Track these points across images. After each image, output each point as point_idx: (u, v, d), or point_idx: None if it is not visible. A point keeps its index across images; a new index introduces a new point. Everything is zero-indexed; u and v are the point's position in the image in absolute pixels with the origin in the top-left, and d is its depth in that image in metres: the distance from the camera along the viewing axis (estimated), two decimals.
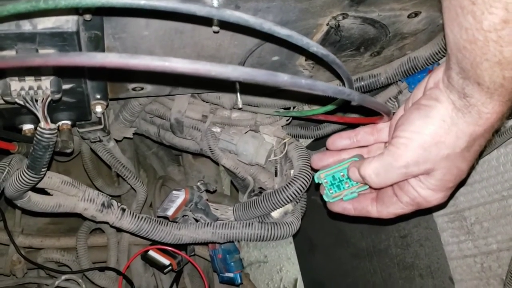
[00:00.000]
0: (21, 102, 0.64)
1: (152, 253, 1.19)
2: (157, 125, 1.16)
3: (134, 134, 1.20)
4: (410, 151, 0.59)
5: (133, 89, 0.93)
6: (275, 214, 1.04)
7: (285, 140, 1.06)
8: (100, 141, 1.07)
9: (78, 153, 1.27)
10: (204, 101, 1.08)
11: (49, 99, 0.65)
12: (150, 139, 1.53)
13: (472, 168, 0.62)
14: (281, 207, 1.02)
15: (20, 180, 0.71)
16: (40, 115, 0.64)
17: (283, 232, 1.02)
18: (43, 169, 0.70)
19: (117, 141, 1.17)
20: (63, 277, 1.11)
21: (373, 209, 0.71)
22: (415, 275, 1.22)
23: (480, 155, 0.63)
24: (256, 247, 2.35)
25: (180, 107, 1.07)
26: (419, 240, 1.19)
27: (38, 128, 0.66)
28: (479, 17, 0.47)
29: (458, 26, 0.50)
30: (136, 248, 1.25)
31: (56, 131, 0.66)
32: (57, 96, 0.66)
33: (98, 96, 0.88)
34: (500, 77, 0.50)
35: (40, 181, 0.74)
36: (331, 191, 0.74)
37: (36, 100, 0.64)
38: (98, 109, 0.90)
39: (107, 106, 0.91)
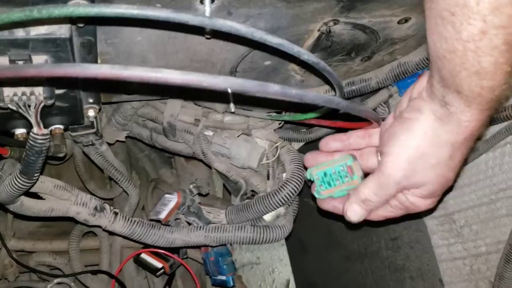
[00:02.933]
0: (14, 108, 0.64)
1: (144, 256, 1.19)
2: (150, 129, 1.16)
3: (126, 137, 1.20)
4: (398, 167, 0.61)
5: (127, 92, 0.94)
6: (267, 217, 1.05)
7: (277, 144, 1.07)
8: (93, 144, 1.07)
9: (70, 157, 1.27)
10: (196, 104, 1.09)
11: (42, 105, 0.65)
12: (142, 142, 1.54)
13: (457, 175, 0.64)
14: (273, 210, 1.02)
15: (13, 185, 0.71)
16: (33, 120, 0.64)
17: (275, 235, 1.03)
18: (35, 174, 0.70)
19: (109, 144, 1.17)
20: (55, 280, 1.11)
21: None
22: (406, 277, 1.23)
23: (465, 163, 0.63)
24: (248, 249, 2.35)
25: (172, 110, 1.07)
26: (409, 242, 1.21)
27: (30, 134, 0.66)
28: (458, 27, 0.49)
29: (438, 35, 0.52)
30: (129, 251, 1.25)
31: (48, 136, 0.67)
32: (50, 102, 0.66)
33: (91, 100, 0.88)
34: (478, 86, 0.52)
35: (33, 186, 0.74)
36: (321, 188, 0.75)
37: (29, 106, 0.65)
38: (91, 113, 0.90)
39: (99, 110, 0.92)
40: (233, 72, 0.93)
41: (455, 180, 0.64)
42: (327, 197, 0.74)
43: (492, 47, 0.49)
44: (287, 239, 1.94)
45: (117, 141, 1.19)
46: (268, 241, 1.04)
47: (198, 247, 1.14)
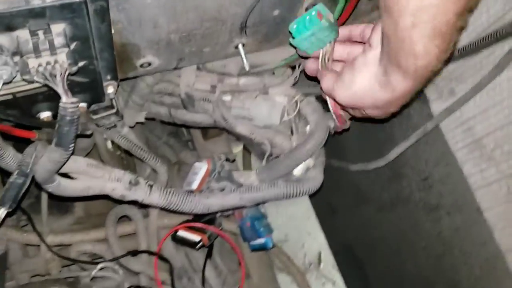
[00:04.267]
0: (41, 79, 0.65)
1: (181, 232, 1.20)
2: (167, 105, 1.16)
3: (143, 123, 1.20)
4: (343, 97, 0.79)
5: (141, 65, 0.94)
6: (297, 171, 1.05)
7: (296, 98, 1.07)
8: (115, 127, 1.08)
9: (90, 151, 1.28)
10: (210, 72, 1.09)
11: (67, 72, 0.66)
12: (159, 127, 1.55)
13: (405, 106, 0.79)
14: (302, 163, 1.03)
15: (51, 159, 0.72)
16: (60, 89, 0.65)
17: (309, 187, 1.03)
18: (71, 145, 0.71)
19: (130, 127, 1.18)
20: (99, 266, 1.12)
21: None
22: (442, 214, 1.23)
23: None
24: (275, 227, 2.36)
25: (188, 81, 1.07)
26: (440, 179, 1.20)
27: (60, 104, 0.66)
28: (396, 19, 0.60)
29: (385, 20, 0.63)
30: (165, 232, 1.26)
31: (78, 103, 0.67)
32: (75, 68, 0.67)
33: (109, 77, 0.88)
34: (414, 65, 0.63)
35: (68, 159, 0.75)
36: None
37: (55, 76, 0.65)
38: (110, 89, 0.90)
39: (118, 86, 0.92)
40: (243, 28, 0.93)
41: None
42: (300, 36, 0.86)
43: (422, 36, 0.59)
44: (314, 200, 1.94)
45: (137, 123, 1.20)
46: (303, 194, 1.04)
47: (233, 210, 1.14)
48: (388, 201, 1.43)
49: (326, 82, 0.83)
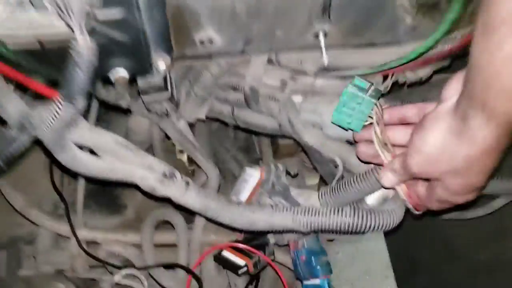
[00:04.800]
0: (53, 6, 0.52)
1: (226, 253, 1.03)
2: (231, 103, 1.02)
3: (212, 134, 1.07)
4: (415, 163, 0.67)
5: (201, 42, 0.80)
6: (371, 200, 0.86)
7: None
8: (168, 115, 0.95)
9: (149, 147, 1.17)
10: (283, 66, 0.93)
11: (87, 8, 0.53)
12: (230, 140, 1.44)
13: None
14: (379, 190, 0.83)
15: (55, 115, 0.58)
16: (72, 22, 0.51)
17: (382, 222, 0.83)
18: (77, 97, 0.57)
19: (191, 125, 1.06)
20: (124, 271, 0.98)
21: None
22: None
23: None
24: (347, 280, 2.11)
25: (255, 73, 0.92)
26: None
27: (70, 40, 0.53)
28: (499, 44, 0.49)
29: (481, 45, 0.52)
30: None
31: (93, 48, 0.53)
32: (98, 5, 0.53)
33: (160, 47, 0.76)
34: (504, 105, 0.53)
35: (77, 116, 0.61)
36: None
37: (71, 9, 0.52)
38: (161, 64, 0.78)
39: (172, 63, 0.79)
40: (326, 8, 0.76)
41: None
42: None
43: None
44: (391, 251, 1.68)
45: (203, 124, 1.07)
46: (373, 228, 0.84)
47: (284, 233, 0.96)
48: (484, 263, 1.16)
49: (393, 165, 0.73)
